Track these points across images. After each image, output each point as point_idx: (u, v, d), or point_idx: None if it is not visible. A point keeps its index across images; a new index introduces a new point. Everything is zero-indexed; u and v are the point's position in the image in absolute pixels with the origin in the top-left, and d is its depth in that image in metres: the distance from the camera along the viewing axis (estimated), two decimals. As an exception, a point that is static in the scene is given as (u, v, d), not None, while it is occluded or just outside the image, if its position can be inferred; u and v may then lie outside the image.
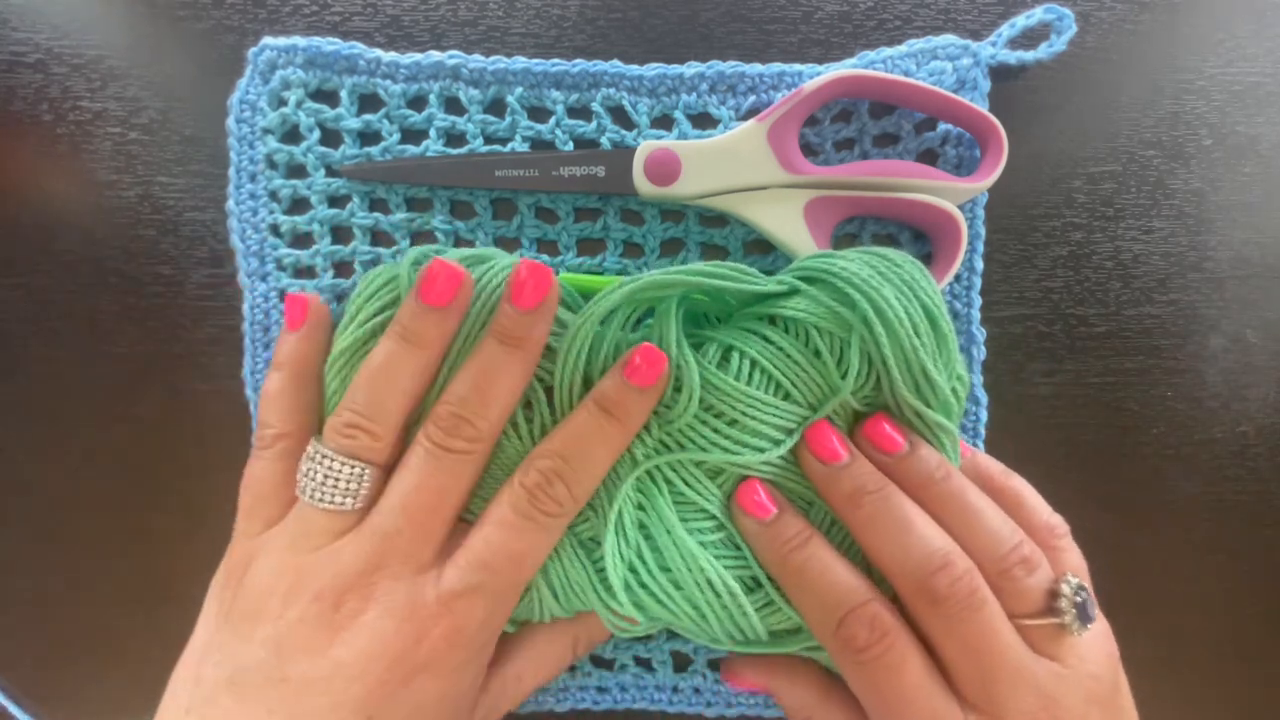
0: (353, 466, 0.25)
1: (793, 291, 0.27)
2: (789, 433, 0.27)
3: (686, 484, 0.27)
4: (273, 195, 0.33)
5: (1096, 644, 0.26)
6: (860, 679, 0.25)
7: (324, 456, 0.26)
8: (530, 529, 0.26)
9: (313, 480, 0.26)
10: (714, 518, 0.27)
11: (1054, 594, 0.25)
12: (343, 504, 0.25)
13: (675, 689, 0.34)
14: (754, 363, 0.27)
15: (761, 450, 0.27)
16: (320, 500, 0.25)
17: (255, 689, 0.23)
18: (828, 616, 0.25)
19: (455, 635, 0.25)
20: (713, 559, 0.26)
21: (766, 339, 0.27)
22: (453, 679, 0.25)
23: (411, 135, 0.33)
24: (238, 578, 0.26)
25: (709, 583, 0.26)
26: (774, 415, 0.27)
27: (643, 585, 0.27)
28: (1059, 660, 0.25)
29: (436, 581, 0.25)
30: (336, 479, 0.25)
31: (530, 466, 0.26)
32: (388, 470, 0.26)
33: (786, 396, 0.27)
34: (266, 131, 0.33)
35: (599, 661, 0.33)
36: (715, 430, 0.27)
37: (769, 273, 0.28)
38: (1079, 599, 0.25)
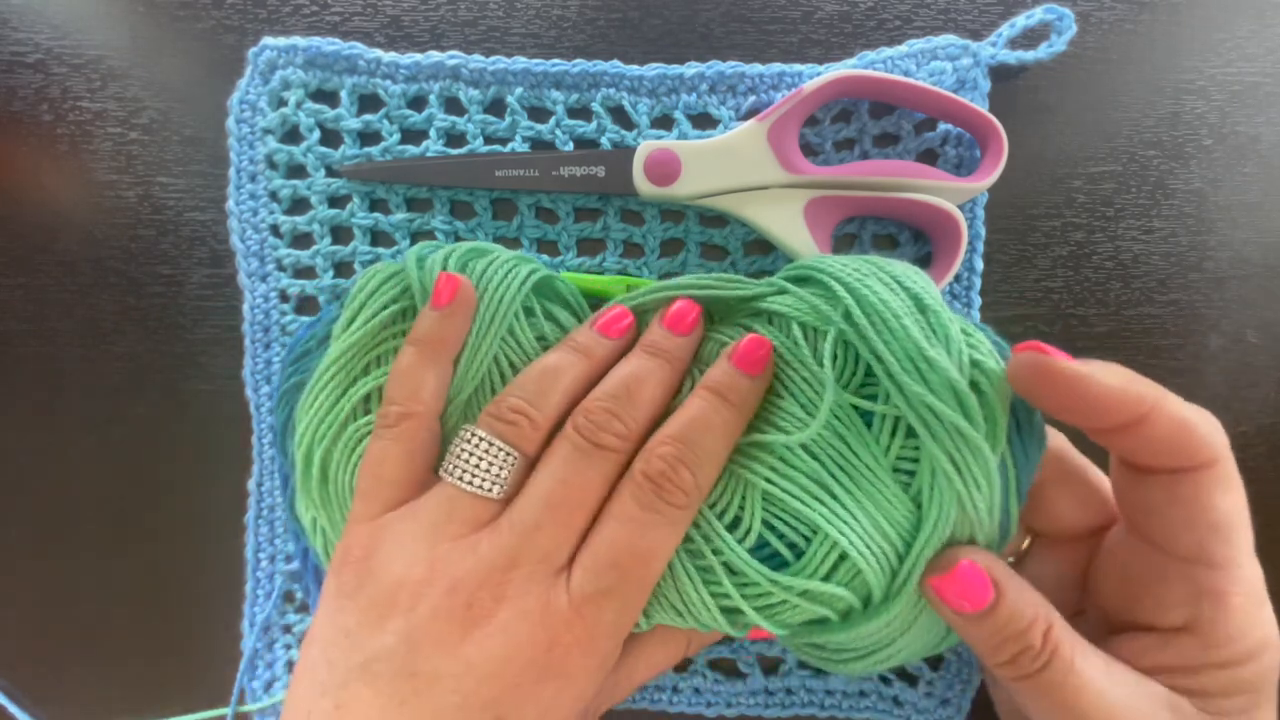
0: (507, 452, 0.25)
1: (780, 291, 0.27)
2: (781, 432, 0.26)
3: None
4: (273, 195, 0.33)
5: None
6: None
7: (479, 439, 0.25)
8: (656, 523, 0.24)
9: (463, 462, 0.25)
10: (689, 539, 0.26)
11: None
12: (490, 490, 0.25)
13: (675, 689, 0.34)
14: None
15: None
16: (468, 483, 0.25)
17: (388, 679, 0.23)
18: None
19: (587, 642, 0.24)
20: (696, 576, 0.26)
21: (754, 332, 0.27)
22: (582, 683, 0.24)
23: (411, 135, 0.33)
24: (360, 561, 0.25)
25: (689, 599, 0.26)
26: (760, 409, 0.26)
27: None
28: None
29: (567, 585, 0.24)
30: (490, 463, 0.25)
31: (651, 454, 0.25)
32: (531, 465, 0.26)
33: (776, 393, 0.26)
34: (266, 132, 0.33)
35: (599, 661, 0.33)
36: None
37: (769, 273, 0.28)
38: None
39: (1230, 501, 0.23)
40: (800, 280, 0.27)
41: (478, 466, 0.25)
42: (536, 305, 0.28)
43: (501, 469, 0.25)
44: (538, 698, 0.24)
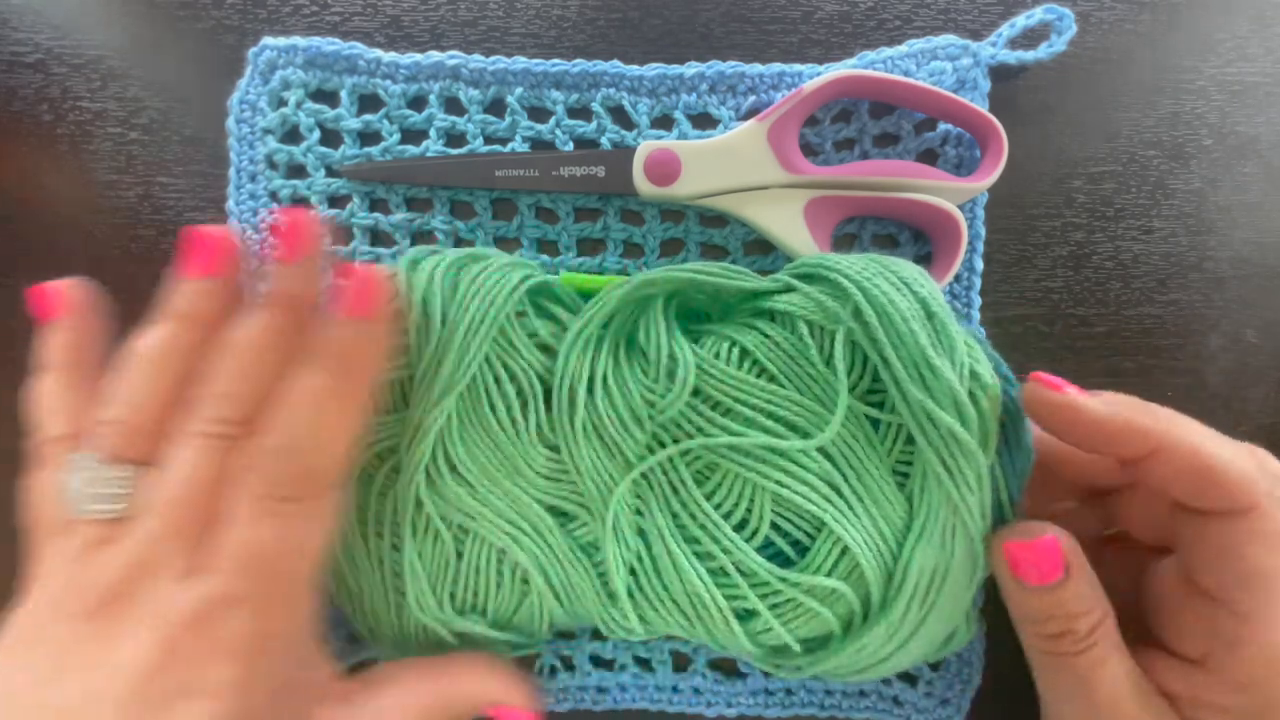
0: (119, 470, 0.23)
1: (786, 289, 0.27)
2: (788, 425, 0.26)
3: (675, 491, 0.26)
4: (273, 196, 0.33)
5: None
6: None
7: (87, 460, 0.24)
8: (274, 522, 0.23)
9: (75, 489, 0.23)
10: (696, 540, 0.26)
11: None
12: (110, 510, 0.23)
13: (675, 689, 0.33)
14: (745, 352, 0.26)
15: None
16: (86, 510, 0.23)
17: (21, 711, 0.21)
18: None
19: (219, 652, 0.22)
20: (707, 576, 0.26)
21: (761, 332, 0.27)
22: (230, 701, 0.22)
23: (411, 135, 0.33)
24: (26, 583, 0.24)
25: (700, 600, 0.26)
26: (765, 401, 0.26)
27: (642, 591, 0.27)
28: None
29: (192, 590, 0.22)
30: (97, 479, 0.23)
31: (258, 450, 0.23)
32: (157, 463, 0.24)
33: (781, 386, 0.26)
34: (266, 132, 0.33)
35: (599, 662, 0.33)
36: (709, 420, 0.26)
37: (768, 273, 0.28)
38: None
39: (1266, 554, 0.22)
40: (806, 278, 0.27)
41: (88, 491, 0.23)
42: (529, 307, 0.28)
43: (116, 487, 0.23)
44: (178, 715, 0.21)
